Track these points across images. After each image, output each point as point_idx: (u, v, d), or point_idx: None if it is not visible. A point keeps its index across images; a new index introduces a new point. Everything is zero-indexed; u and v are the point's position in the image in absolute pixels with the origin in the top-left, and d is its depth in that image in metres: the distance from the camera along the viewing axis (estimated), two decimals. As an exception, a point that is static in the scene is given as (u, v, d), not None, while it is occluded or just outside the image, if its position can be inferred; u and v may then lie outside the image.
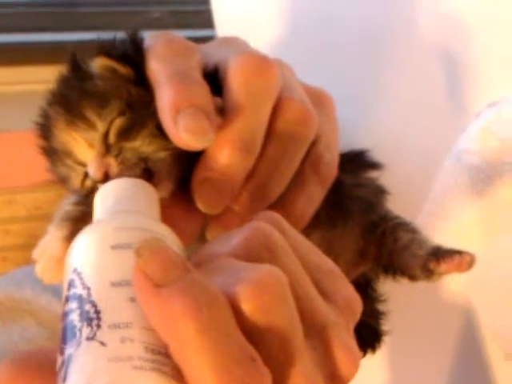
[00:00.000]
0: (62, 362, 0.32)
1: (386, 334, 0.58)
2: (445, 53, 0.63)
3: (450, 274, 0.50)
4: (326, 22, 0.70)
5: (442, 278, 0.51)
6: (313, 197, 0.49)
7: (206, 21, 0.82)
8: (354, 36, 0.68)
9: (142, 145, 0.45)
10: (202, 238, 0.47)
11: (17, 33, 1.74)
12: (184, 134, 0.43)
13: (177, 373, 0.31)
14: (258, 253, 0.35)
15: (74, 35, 1.68)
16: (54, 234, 0.49)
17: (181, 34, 0.50)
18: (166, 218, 0.41)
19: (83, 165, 0.47)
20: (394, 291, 0.57)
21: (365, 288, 0.57)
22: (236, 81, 0.46)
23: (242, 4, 0.77)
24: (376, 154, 0.58)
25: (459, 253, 0.50)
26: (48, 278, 0.48)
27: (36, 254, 0.49)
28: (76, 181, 0.48)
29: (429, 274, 0.51)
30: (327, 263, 0.39)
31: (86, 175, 0.47)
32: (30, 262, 0.50)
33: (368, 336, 0.57)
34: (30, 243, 0.50)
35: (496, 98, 0.59)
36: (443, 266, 0.50)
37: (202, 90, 0.45)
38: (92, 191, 0.45)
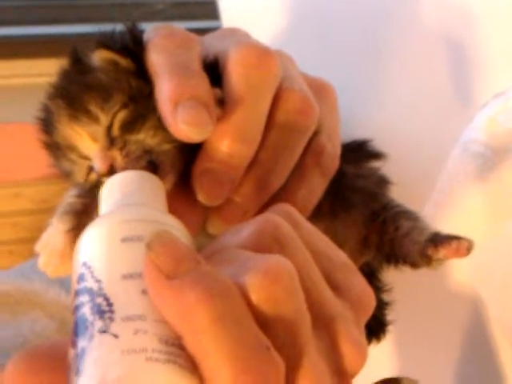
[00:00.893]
0: (75, 356, 0.32)
1: (390, 324, 0.58)
2: (450, 43, 0.63)
3: (449, 260, 0.50)
4: (329, 12, 0.70)
5: (441, 264, 0.51)
6: (314, 188, 0.50)
7: (211, 12, 0.82)
8: (357, 26, 0.68)
9: (146, 137, 0.45)
10: (204, 231, 0.47)
11: (17, 26, 1.73)
12: (183, 125, 0.43)
13: (191, 364, 0.32)
14: (267, 244, 0.36)
15: (76, 28, 1.68)
16: (56, 227, 0.49)
17: (185, 26, 0.50)
18: (168, 210, 0.41)
19: (87, 159, 0.47)
20: (399, 281, 0.57)
21: (369, 278, 0.57)
22: (236, 72, 0.46)
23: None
24: (381, 145, 0.58)
25: (457, 238, 0.50)
26: (51, 272, 0.49)
27: (39, 247, 0.49)
28: (80, 175, 0.48)
29: (427, 260, 0.51)
30: (340, 257, 0.39)
31: (90, 169, 0.47)
32: (36, 255, 0.50)
33: (372, 326, 0.57)
34: (37, 236, 0.50)
35: (502, 88, 0.59)
36: (441, 252, 0.50)
37: (202, 81, 0.45)
38: (96, 185, 0.45)
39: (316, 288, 0.36)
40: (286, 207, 0.39)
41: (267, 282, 0.33)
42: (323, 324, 0.35)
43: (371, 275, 0.57)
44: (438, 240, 0.51)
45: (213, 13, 0.81)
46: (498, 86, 0.60)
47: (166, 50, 0.46)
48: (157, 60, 0.46)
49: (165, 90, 0.44)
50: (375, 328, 0.58)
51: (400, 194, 0.57)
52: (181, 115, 0.43)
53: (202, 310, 0.31)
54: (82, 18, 1.71)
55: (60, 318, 0.62)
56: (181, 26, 0.50)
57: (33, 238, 0.50)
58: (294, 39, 0.70)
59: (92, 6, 1.77)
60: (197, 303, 0.31)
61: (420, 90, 0.65)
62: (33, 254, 0.50)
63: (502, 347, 0.61)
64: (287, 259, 0.34)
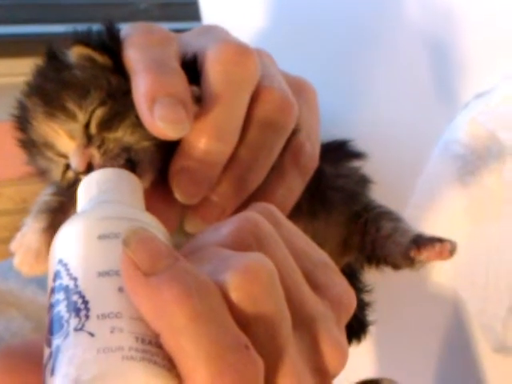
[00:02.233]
0: (50, 354, 0.32)
1: (371, 325, 0.58)
2: (432, 43, 0.63)
3: (432, 262, 0.50)
4: (313, 13, 0.70)
5: (423, 265, 0.51)
6: (293, 187, 0.49)
7: (193, 13, 0.82)
8: (341, 25, 0.68)
9: (125, 135, 0.45)
10: (181, 230, 0.47)
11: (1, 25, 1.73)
12: (160, 123, 0.42)
13: (168, 362, 0.31)
14: (247, 243, 0.35)
15: (57, 28, 1.67)
16: (31, 226, 0.49)
17: (167, 27, 0.50)
18: (146, 208, 0.41)
19: (64, 157, 0.46)
20: (381, 282, 0.57)
21: (350, 278, 0.57)
22: (213, 69, 0.45)
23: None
24: (361, 144, 0.58)
25: (440, 240, 0.50)
26: (26, 271, 0.48)
27: (13, 246, 0.49)
28: (57, 173, 0.47)
29: (410, 262, 0.51)
30: (321, 256, 0.39)
31: (67, 167, 0.46)
32: (13, 254, 0.49)
33: (353, 326, 0.57)
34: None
35: (484, 88, 0.59)
36: (424, 254, 0.50)
37: (179, 78, 0.44)
38: (73, 183, 0.44)
39: (296, 287, 0.36)
40: (266, 205, 0.39)
41: (246, 280, 0.32)
42: (303, 324, 0.35)
43: (352, 276, 0.57)
44: (421, 242, 0.51)
45: (195, 14, 0.81)
46: (480, 86, 0.60)
47: (143, 47, 0.46)
48: (134, 56, 0.46)
49: (141, 87, 0.44)
50: (356, 329, 0.58)
51: (380, 194, 0.57)
52: (157, 112, 0.42)
53: (180, 307, 0.31)
54: (64, 17, 1.70)
55: (36, 317, 0.61)
56: (163, 26, 0.50)
57: (12, 238, 0.49)
58: (276, 38, 0.70)
59: (73, 6, 1.77)
60: (174, 301, 0.31)
61: (401, 90, 0.65)
62: (9, 254, 0.49)
63: (482, 348, 0.61)
64: (267, 257, 0.34)
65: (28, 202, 0.50)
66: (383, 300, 0.58)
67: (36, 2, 1.73)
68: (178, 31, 0.50)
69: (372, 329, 0.58)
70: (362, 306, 0.58)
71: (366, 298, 0.58)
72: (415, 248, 0.51)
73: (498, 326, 0.60)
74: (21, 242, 0.48)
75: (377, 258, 0.54)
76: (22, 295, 0.63)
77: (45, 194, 0.50)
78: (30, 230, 0.48)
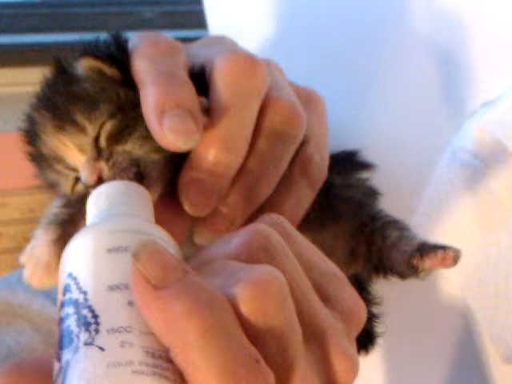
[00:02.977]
0: (60, 369, 0.32)
1: (379, 336, 0.58)
2: (438, 51, 0.63)
3: (435, 270, 0.50)
4: (318, 21, 0.70)
5: (428, 274, 0.51)
6: (302, 198, 0.49)
7: (199, 21, 0.82)
8: (346, 35, 0.68)
9: (134, 147, 0.45)
10: (190, 242, 0.47)
11: (6, 34, 1.73)
12: (169, 134, 0.42)
13: (178, 377, 0.31)
14: (257, 255, 0.35)
15: (62, 37, 1.67)
16: (41, 239, 0.49)
17: (172, 35, 0.50)
18: (155, 221, 0.41)
19: (74, 170, 0.46)
20: (390, 293, 0.57)
21: (358, 290, 0.57)
22: (222, 80, 0.45)
23: (235, 4, 0.77)
24: (369, 154, 0.58)
25: (443, 248, 0.49)
26: (36, 283, 0.48)
27: (23, 258, 0.49)
28: (66, 186, 0.47)
29: (414, 270, 0.50)
30: (331, 268, 0.39)
31: (76, 180, 0.46)
32: (22, 265, 0.49)
33: (361, 337, 0.56)
34: (24, 246, 0.49)
35: (491, 95, 0.59)
36: (427, 262, 0.50)
37: (188, 89, 0.44)
38: (83, 196, 0.44)
39: (307, 300, 0.35)
40: (276, 217, 0.39)
41: (257, 293, 0.32)
42: (314, 336, 0.35)
43: (360, 287, 0.57)
44: (424, 250, 0.50)
45: (201, 22, 0.81)
46: (487, 93, 0.60)
47: (152, 58, 0.46)
48: (142, 68, 0.45)
49: (150, 99, 0.43)
50: (364, 340, 0.57)
51: (388, 202, 0.57)
52: (167, 124, 0.42)
53: (190, 321, 0.31)
54: (69, 27, 1.71)
55: (45, 329, 0.61)
56: (168, 34, 0.50)
57: (20, 248, 0.49)
58: (283, 48, 0.70)
59: (77, 15, 1.77)
60: (185, 314, 0.31)
61: (409, 99, 0.65)
62: (20, 265, 0.49)
63: (492, 359, 0.61)
64: (277, 270, 0.34)
65: (35, 212, 0.51)
66: (392, 311, 0.58)
67: (38, 12, 1.74)
68: (183, 40, 0.50)
69: (381, 340, 0.58)
70: (370, 317, 0.58)
71: (375, 309, 0.58)
72: (418, 256, 0.50)
73: (509, 336, 0.59)
74: (30, 254, 0.48)
75: (383, 268, 0.54)
76: (31, 307, 0.63)
77: (54, 207, 0.49)
78: (40, 243, 0.48)
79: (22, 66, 1.64)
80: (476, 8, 0.62)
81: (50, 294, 0.63)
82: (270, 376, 0.31)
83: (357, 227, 0.55)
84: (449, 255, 0.49)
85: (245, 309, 0.32)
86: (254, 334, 0.32)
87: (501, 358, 0.61)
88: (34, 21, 1.73)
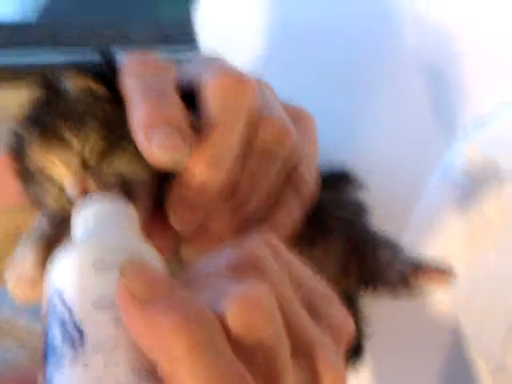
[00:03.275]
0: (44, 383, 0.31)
1: (367, 352, 0.58)
2: (429, 67, 0.63)
3: (430, 288, 0.50)
4: (309, 37, 0.70)
5: (421, 292, 0.51)
6: (293, 216, 0.49)
7: (189, 37, 0.82)
8: (337, 51, 0.68)
9: (121, 164, 0.45)
10: (177, 258, 0.47)
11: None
12: (157, 151, 0.42)
13: None
14: (245, 271, 0.35)
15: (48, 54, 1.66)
16: (26, 254, 0.48)
17: (161, 49, 0.50)
18: (142, 236, 0.41)
19: (60, 186, 0.46)
20: (378, 308, 0.57)
21: (346, 305, 0.56)
22: (211, 97, 0.45)
23: (226, 18, 0.77)
24: (361, 170, 0.58)
25: (438, 266, 0.50)
26: (20, 297, 0.47)
27: (7, 274, 0.48)
28: (53, 202, 0.47)
29: (408, 287, 0.51)
30: (321, 285, 0.39)
31: (63, 196, 0.46)
32: (6, 283, 0.49)
33: (349, 353, 0.56)
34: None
35: (482, 112, 0.59)
36: (422, 279, 0.50)
37: (176, 106, 0.44)
38: (69, 212, 0.44)
39: (295, 315, 0.35)
40: (266, 234, 0.39)
41: (245, 308, 0.32)
42: (302, 351, 0.35)
43: (348, 302, 0.57)
44: (419, 267, 0.50)
45: (190, 36, 0.81)
46: (478, 111, 0.60)
47: (140, 76, 0.46)
48: (130, 85, 0.45)
49: (138, 116, 0.43)
50: (352, 355, 0.57)
51: (379, 219, 0.57)
52: (155, 141, 0.42)
53: (177, 337, 0.31)
54: (57, 42, 1.70)
55: (31, 346, 0.61)
56: (157, 48, 0.50)
57: (5, 266, 0.49)
58: (276, 63, 0.70)
59: (64, 27, 1.76)
60: (171, 330, 0.31)
61: (400, 116, 0.65)
62: (4, 282, 0.49)
63: (481, 373, 0.61)
64: (266, 286, 0.33)
65: (22, 229, 0.50)
66: (380, 327, 0.58)
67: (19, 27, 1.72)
68: (172, 53, 0.50)
69: (369, 356, 0.58)
70: (358, 332, 0.57)
71: (363, 325, 0.58)
72: (413, 274, 0.50)
73: (497, 351, 0.59)
74: (15, 269, 0.48)
75: (374, 285, 0.54)
76: (17, 324, 0.62)
77: (40, 222, 0.49)
78: (25, 258, 0.48)
79: (8, 87, 1.64)
80: (467, 22, 0.62)
81: (36, 311, 0.63)
82: None
83: (347, 245, 0.55)
84: (443, 273, 0.49)
85: (233, 324, 0.32)
86: (241, 350, 0.32)
87: (490, 373, 0.60)
88: (14, 37, 1.72)
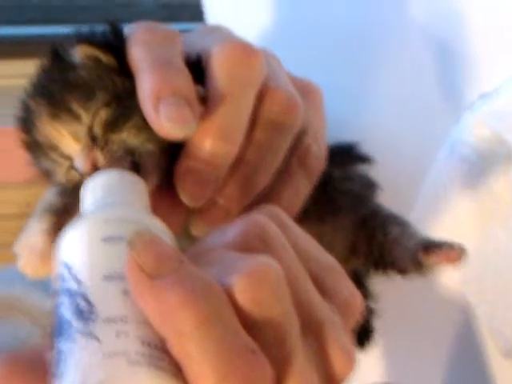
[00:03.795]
0: (55, 359, 0.31)
1: (375, 331, 0.58)
2: (436, 42, 0.63)
3: (441, 267, 0.50)
4: (318, 13, 0.70)
5: (432, 270, 0.51)
6: (300, 189, 0.49)
7: (196, 14, 0.81)
8: (344, 27, 0.68)
9: (129, 136, 0.44)
10: (187, 233, 0.46)
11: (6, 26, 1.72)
12: (166, 122, 0.42)
13: (174, 367, 0.31)
14: (253, 245, 0.35)
15: (60, 29, 1.66)
16: (35, 227, 0.48)
17: (171, 27, 0.50)
18: (151, 211, 0.40)
19: (69, 158, 0.46)
20: (388, 288, 0.57)
21: (356, 285, 0.56)
22: (218, 69, 0.45)
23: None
24: (367, 147, 0.57)
25: (449, 245, 0.49)
26: (31, 272, 0.47)
27: (17, 247, 0.48)
28: (61, 174, 0.47)
29: (418, 266, 0.50)
30: (329, 260, 0.38)
31: (71, 168, 0.46)
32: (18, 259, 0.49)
33: (358, 333, 0.56)
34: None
35: (489, 87, 0.59)
36: (432, 258, 0.50)
37: (184, 77, 0.44)
38: (78, 184, 0.44)
39: (304, 290, 0.35)
40: (272, 208, 0.38)
41: (253, 283, 0.32)
42: (311, 329, 0.35)
43: (358, 281, 0.57)
44: (430, 246, 0.50)
45: (198, 15, 0.81)
46: (485, 86, 0.59)
47: (148, 45, 0.45)
48: (138, 55, 0.45)
49: (146, 86, 0.43)
50: (360, 335, 0.57)
51: (385, 196, 0.57)
52: (163, 112, 0.42)
53: (186, 312, 0.30)
54: (67, 19, 1.70)
55: (44, 323, 0.61)
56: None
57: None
58: (282, 40, 0.70)
59: (75, 7, 1.76)
60: (180, 305, 0.31)
61: (407, 92, 0.64)
62: (14, 260, 0.49)
63: (491, 354, 0.61)
64: (274, 260, 0.33)
65: (32, 206, 0.50)
66: (390, 306, 0.58)
67: (35, 4, 1.73)
68: (181, 32, 0.50)
69: (378, 335, 0.58)
70: (367, 312, 0.57)
71: (371, 304, 0.58)
72: (424, 252, 0.50)
73: (508, 331, 0.59)
74: (25, 243, 0.48)
75: (384, 263, 0.54)
76: (28, 301, 0.62)
77: (49, 195, 0.49)
78: (34, 232, 0.48)
79: (18, 59, 1.64)
80: (473, 1, 0.61)
81: (47, 287, 0.63)
82: (267, 367, 0.31)
83: (356, 222, 0.55)
84: (455, 252, 0.49)
85: (241, 298, 0.32)
86: (250, 325, 0.32)
87: (500, 352, 0.60)
88: (28, 13, 1.72)
